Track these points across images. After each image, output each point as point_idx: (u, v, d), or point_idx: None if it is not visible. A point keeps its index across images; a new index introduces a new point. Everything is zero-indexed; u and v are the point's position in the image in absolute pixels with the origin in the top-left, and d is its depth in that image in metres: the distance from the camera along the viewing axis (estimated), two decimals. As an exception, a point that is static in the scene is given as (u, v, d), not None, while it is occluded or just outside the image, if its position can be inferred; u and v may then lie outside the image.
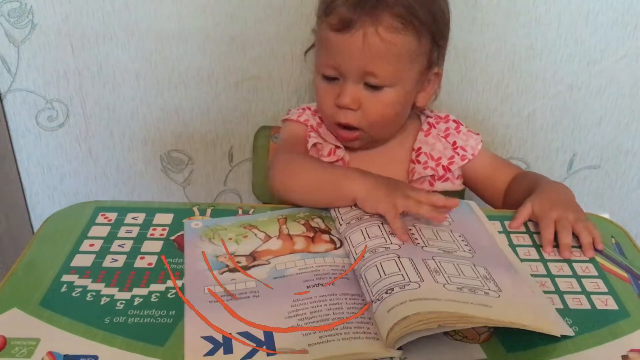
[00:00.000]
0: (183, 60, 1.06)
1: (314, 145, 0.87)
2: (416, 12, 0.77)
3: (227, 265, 0.65)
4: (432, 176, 0.88)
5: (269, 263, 0.65)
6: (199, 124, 1.12)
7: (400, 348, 0.54)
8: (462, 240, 0.68)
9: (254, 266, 0.65)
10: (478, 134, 0.90)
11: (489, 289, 0.59)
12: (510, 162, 0.95)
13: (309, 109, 0.91)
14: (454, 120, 0.91)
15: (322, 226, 0.72)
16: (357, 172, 0.75)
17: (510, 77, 1.06)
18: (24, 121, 1.12)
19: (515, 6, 1.01)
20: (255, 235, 0.70)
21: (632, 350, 0.56)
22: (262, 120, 1.10)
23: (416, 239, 0.67)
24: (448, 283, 0.58)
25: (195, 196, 1.19)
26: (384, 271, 0.60)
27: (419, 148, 0.88)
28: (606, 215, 1.19)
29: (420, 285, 0.57)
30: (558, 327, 0.57)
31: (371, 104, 0.81)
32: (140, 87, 1.09)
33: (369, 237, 0.66)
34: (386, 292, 0.56)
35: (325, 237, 0.70)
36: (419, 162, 0.88)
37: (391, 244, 0.64)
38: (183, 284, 0.63)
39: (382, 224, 0.68)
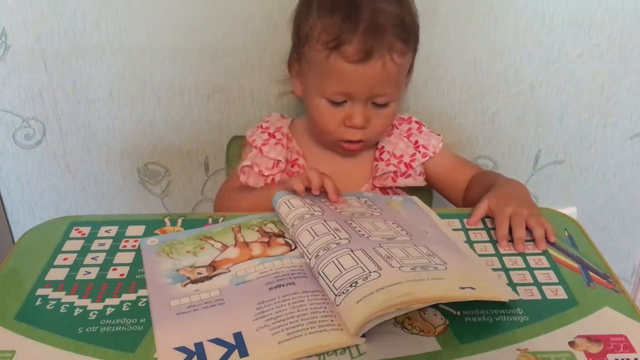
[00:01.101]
0: (154, 74, 1.09)
1: (248, 166, 0.94)
2: (410, 29, 0.83)
3: (188, 277, 0.67)
4: (395, 172, 0.92)
5: (230, 271, 0.68)
6: (173, 136, 1.15)
7: (363, 335, 0.57)
8: (397, 227, 0.72)
9: (215, 275, 0.67)
10: (439, 135, 0.95)
11: (436, 264, 0.63)
12: (471, 162, 0.99)
13: (261, 127, 0.97)
14: (416, 122, 0.96)
15: (276, 230, 0.75)
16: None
17: (472, 78, 1.10)
18: (2, 140, 1.14)
19: (473, 10, 1.04)
20: (212, 245, 0.72)
21: (578, 336, 0.59)
22: (235, 129, 1.13)
23: (359, 230, 0.70)
24: (402, 266, 0.62)
25: (174, 207, 1.22)
26: (342, 266, 0.63)
27: (382, 147, 0.93)
28: (573, 209, 1.24)
29: (380, 275, 0.60)
30: (505, 293, 0.61)
31: (378, 120, 0.87)
32: (114, 103, 1.11)
33: (317, 235, 0.69)
34: (351, 285, 0.60)
35: (280, 240, 0.73)
36: (382, 159, 0.92)
37: (340, 239, 0.67)
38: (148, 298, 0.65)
39: (325, 221, 0.71)
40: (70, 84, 1.10)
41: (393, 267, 0.62)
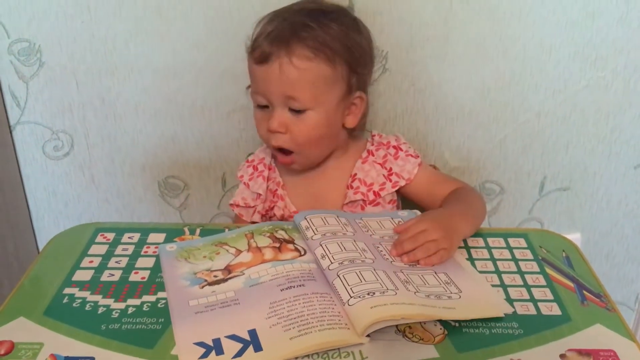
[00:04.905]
0: (178, 92, 1.15)
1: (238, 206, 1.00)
2: (327, 43, 0.86)
3: (205, 280, 0.72)
4: (364, 201, 0.93)
5: (244, 274, 0.73)
6: (193, 151, 1.20)
7: (368, 335, 0.63)
8: None
9: (230, 278, 0.72)
10: (417, 157, 0.95)
11: (451, 292, 0.69)
12: (453, 178, 0.99)
13: (247, 161, 1.02)
14: (394, 147, 0.96)
15: (287, 237, 0.80)
16: None
17: (481, 106, 1.14)
18: (32, 151, 1.21)
19: (484, 41, 1.09)
20: (227, 251, 0.77)
21: (569, 350, 0.63)
22: (252, 146, 1.18)
23: (385, 255, 0.75)
24: (417, 292, 0.68)
25: (191, 219, 1.26)
26: (363, 278, 0.68)
27: (355, 174, 0.95)
28: (578, 235, 1.26)
29: (396, 293, 0.66)
30: (500, 308, 0.68)
31: (297, 127, 0.89)
32: (139, 118, 1.17)
33: (345, 250, 0.74)
34: (368, 294, 0.65)
35: (290, 246, 0.78)
36: (352, 187, 0.94)
37: (366, 258, 0.73)
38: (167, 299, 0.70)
39: (354, 241, 0.76)
40: (99, 100, 1.16)
41: (409, 290, 0.67)
